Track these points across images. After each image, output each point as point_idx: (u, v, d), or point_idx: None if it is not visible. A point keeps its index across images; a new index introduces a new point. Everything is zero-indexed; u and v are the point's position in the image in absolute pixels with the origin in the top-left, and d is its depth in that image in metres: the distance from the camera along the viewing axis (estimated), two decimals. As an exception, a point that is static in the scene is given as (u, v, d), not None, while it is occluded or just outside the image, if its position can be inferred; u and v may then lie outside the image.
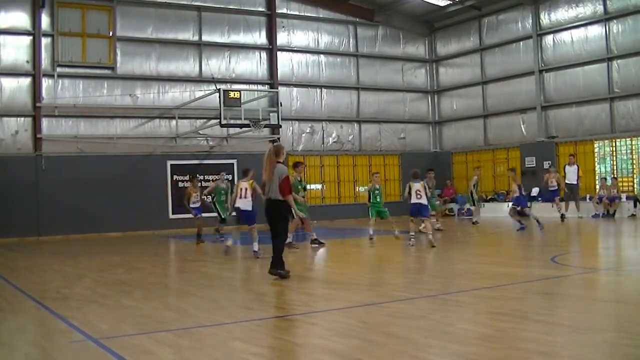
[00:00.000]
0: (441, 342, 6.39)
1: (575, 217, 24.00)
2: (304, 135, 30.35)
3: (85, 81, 25.88)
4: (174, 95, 27.18)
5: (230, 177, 23.54)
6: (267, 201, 11.33)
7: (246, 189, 15.35)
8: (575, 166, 24.73)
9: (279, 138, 28.89)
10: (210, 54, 28.33)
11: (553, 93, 28.47)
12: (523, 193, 19.73)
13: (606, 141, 26.72)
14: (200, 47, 28.16)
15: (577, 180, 24.53)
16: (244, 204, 15.30)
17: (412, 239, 16.02)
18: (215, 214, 19.20)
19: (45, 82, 25.12)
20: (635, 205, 24.53)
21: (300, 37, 30.64)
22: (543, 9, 28.65)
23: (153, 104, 26.96)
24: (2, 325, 8.16)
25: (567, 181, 24.43)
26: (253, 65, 29.43)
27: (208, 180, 27.14)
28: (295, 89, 30.25)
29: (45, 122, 25.03)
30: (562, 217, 22.48)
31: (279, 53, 29.80)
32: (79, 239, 23.66)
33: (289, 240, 15.64)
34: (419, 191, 15.84)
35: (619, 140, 26.26)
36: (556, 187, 23.70)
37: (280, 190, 11.10)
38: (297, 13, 30.54)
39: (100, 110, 25.99)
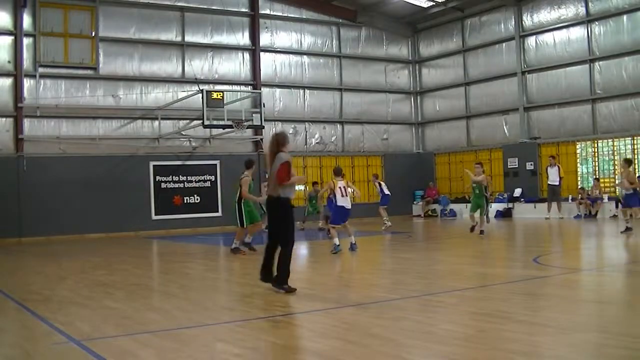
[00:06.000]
0: (424, 342, 6.41)
1: (557, 217, 24.15)
2: (287, 136, 30.18)
3: (68, 81, 25.69)
4: (157, 95, 27.04)
5: None
6: (267, 200, 9.86)
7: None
8: (556, 167, 24.87)
9: (262, 139, 28.87)
10: (193, 55, 28.20)
11: (535, 94, 28.59)
12: (638, 189, 17.30)
13: (588, 142, 26.86)
14: (183, 48, 28.02)
15: (559, 181, 24.69)
16: None
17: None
18: None
19: (27, 83, 24.89)
20: (616, 206, 24.69)
21: (283, 37, 30.58)
22: (525, 10, 28.79)
23: (136, 104, 26.81)
24: (-18, 328, 8.08)
25: (549, 182, 24.63)
26: (236, 66, 29.34)
27: (191, 182, 27.11)
28: (278, 90, 30.18)
29: (26, 123, 24.81)
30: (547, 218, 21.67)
31: (262, 54, 29.72)
32: (61, 240, 23.49)
33: (234, 245, 15.19)
34: None
35: (600, 141, 26.41)
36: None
37: (277, 179, 9.33)
38: (280, 14, 30.47)
39: (83, 111, 25.81)
